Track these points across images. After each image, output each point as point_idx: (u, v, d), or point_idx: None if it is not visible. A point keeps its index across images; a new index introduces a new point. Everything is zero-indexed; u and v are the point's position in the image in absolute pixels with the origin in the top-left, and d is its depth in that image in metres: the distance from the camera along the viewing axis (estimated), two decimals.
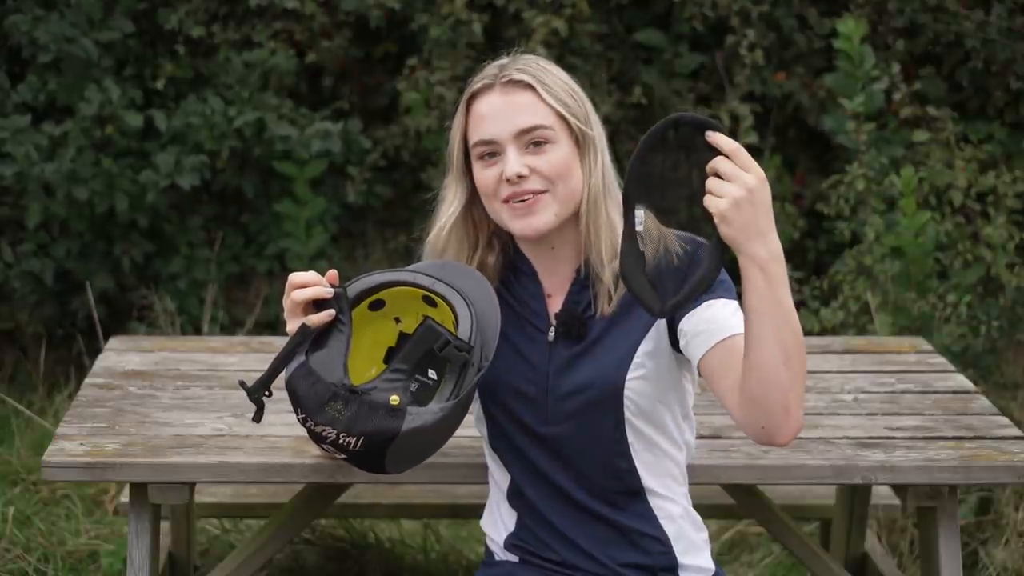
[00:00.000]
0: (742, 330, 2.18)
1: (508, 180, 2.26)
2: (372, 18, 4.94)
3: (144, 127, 4.82)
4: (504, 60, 2.34)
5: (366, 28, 5.09)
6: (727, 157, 2.00)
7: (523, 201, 2.26)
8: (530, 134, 2.26)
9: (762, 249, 2.01)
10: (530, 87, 2.27)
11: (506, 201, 2.27)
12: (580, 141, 2.29)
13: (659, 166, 2.01)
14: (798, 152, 5.17)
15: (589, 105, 2.33)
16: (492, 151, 2.28)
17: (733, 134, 4.93)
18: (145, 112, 4.84)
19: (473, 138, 2.30)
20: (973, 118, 5.00)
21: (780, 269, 2.04)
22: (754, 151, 5.01)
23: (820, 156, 5.14)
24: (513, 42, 4.92)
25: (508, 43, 4.96)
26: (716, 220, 2.00)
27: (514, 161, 2.26)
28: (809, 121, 5.03)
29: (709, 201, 2.00)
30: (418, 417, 2.18)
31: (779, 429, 2.11)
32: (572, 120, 2.28)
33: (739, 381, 2.15)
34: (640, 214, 2.11)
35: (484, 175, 2.29)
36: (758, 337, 2.07)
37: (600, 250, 2.29)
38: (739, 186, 1.98)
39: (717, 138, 2.01)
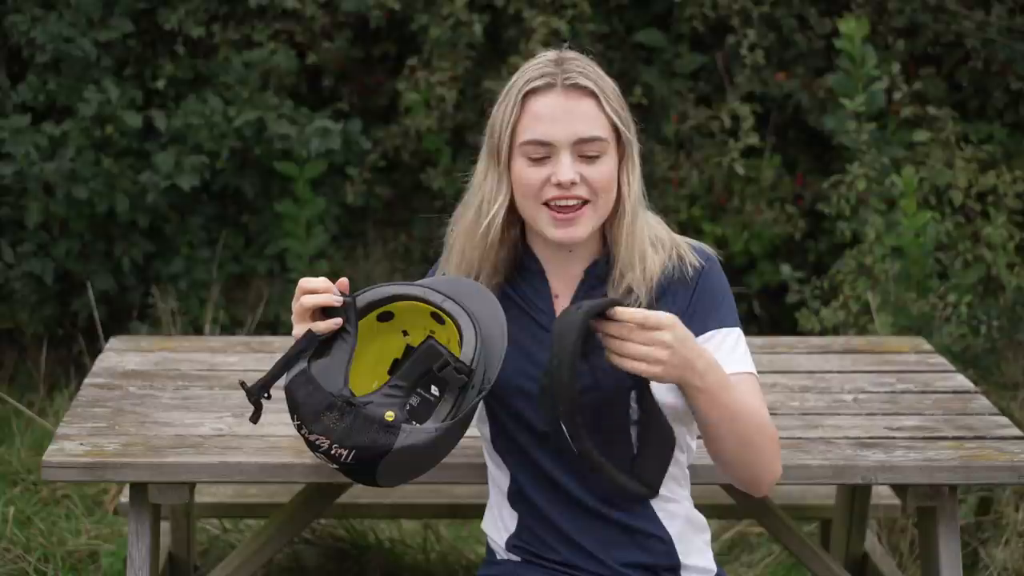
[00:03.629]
0: (742, 368, 2.28)
1: (559, 184, 2.24)
2: (372, 18, 4.94)
3: (144, 127, 4.81)
4: (552, 55, 2.30)
5: (366, 28, 5.08)
6: (638, 327, 2.10)
7: (566, 208, 2.25)
8: (588, 144, 2.25)
9: (696, 377, 2.14)
10: (593, 95, 2.25)
11: (546, 204, 2.26)
12: (625, 150, 2.29)
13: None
14: (798, 152, 5.16)
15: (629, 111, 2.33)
16: (544, 153, 2.25)
17: (734, 134, 4.96)
18: (145, 112, 4.84)
19: (525, 136, 2.26)
20: (973, 118, 5.00)
21: (715, 376, 2.16)
22: (754, 151, 5.01)
23: (820, 156, 5.13)
24: (513, 42, 4.94)
25: (508, 43, 4.99)
26: (655, 381, 2.15)
27: (568, 167, 2.24)
28: (809, 121, 5.03)
29: (640, 369, 2.11)
30: (412, 435, 2.16)
31: (752, 490, 2.31)
32: (623, 131, 2.28)
33: None
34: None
35: (529, 174, 2.26)
36: (714, 437, 2.22)
37: (632, 254, 2.29)
38: (660, 347, 2.10)
39: (621, 313, 2.11)
